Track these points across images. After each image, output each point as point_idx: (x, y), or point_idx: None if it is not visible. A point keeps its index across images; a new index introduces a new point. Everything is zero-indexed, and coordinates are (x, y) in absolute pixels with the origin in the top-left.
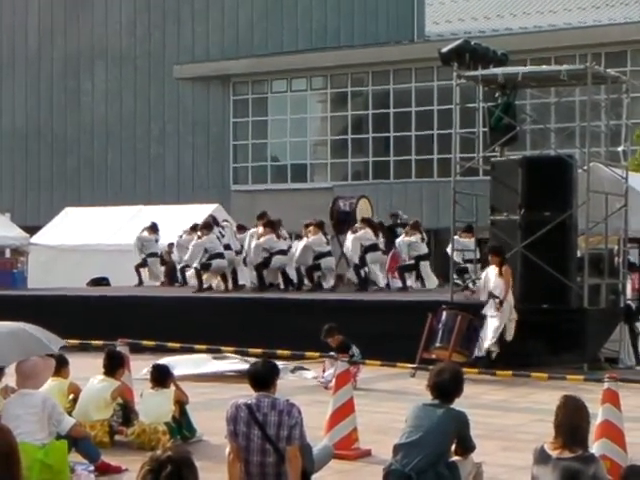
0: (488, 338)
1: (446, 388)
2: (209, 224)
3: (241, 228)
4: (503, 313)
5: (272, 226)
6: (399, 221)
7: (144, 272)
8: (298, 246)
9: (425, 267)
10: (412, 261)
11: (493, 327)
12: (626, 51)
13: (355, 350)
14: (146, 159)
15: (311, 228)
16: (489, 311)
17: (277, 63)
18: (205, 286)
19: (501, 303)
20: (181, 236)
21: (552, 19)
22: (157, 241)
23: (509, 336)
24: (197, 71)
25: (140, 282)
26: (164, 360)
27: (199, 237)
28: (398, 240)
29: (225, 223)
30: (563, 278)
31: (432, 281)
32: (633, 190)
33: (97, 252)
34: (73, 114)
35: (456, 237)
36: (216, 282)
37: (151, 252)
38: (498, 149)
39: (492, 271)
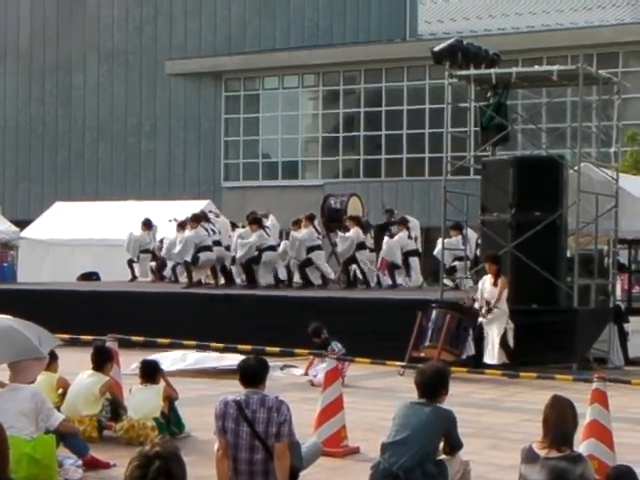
0: (495, 351)
1: (431, 386)
2: (198, 217)
3: (232, 225)
4: (499, 320)
5: (259, 223)
6: (393, 219)
7: (136, 267)
8: (289, 241)
9: (414, 262)
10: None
11: (493, 337)
12: (618, 52)
13: (336, 346)
14: (137, 154)
15: (303, 221)
16: (483, 319)
17: (269, 60)
18: (194, 281)
19: (489, 310)
20: (162, 239)
21: (544, 19)
22: (151, 241)
23: (510, 343)
24: (189, 67)
25: (134, 277)
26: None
27: (192, 228)
28: (386, 242)
29: (221, 219)
30: (553, 278)
31: (418, 278)
32: (623, 191)
33: (87, 247)
34: (64, 108)
35: (446, 239)
36: (205, 276)
37: (144, 249)
38: (489, 149)
39: (488, 280)
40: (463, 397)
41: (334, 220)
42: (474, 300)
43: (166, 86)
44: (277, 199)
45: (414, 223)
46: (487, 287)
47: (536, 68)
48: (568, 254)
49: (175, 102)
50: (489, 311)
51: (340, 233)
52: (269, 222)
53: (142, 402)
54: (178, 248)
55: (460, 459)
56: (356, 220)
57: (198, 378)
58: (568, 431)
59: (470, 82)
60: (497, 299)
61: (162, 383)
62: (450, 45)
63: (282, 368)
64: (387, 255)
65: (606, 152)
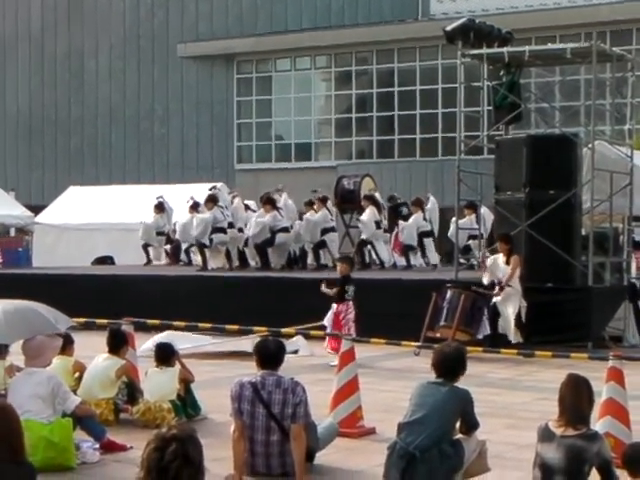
0: (511, 329)
1: (449, 366)
2: (215, 197)
3: (245, 207)
4: (513, 299)
5: (273, 203)
6: (399, 201)
7: (151, 251)
8: (303, 224)
9: (429, 243)
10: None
11: (508, 314)
12: (631, 29)
13: (351, 289)
14: (150, 138)
15: (316, 203)
16: (497, 297)
17: (281, 42)
18: (210, 268)
19: (502, 288)
20: (175, 223)
21: None
22: (166, 223)
23: (524, 321)
24: (201, 50)
25: (149, 261)
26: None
27: (208, 209)
28: (404, 226)
29: (236, 200)
30: (568, 256)
31: (434, 258)
32: (638, 168)
33: (101, 231)
34: (77, 93)
35: (460, 219)
36: (221, 264)
37: (159, 231)
38: (503, 128)
39: (501, 259)
40: (479, 376)
41: (347, 201)
42: (492, 283)
43: (178, 69)
44: (290, 181)
45: (433, 205)
46: (500, 266)
47: (549, 46)
48: (583, 232)
49: (187, 85)
50: (501, 289)
51: (360, 218)
52: (282, 200)
53: (158, 385)
54: (196, 231)
55: (477, 438)
56: (371, 199)
57: (212, 360)
58: (584, 409)
59: (483, 61)
60: (509, 277)
61: (177, 366)
62: (462, 24)
63: (295, 351)
64: (406, 239)
65: (620, 130)
